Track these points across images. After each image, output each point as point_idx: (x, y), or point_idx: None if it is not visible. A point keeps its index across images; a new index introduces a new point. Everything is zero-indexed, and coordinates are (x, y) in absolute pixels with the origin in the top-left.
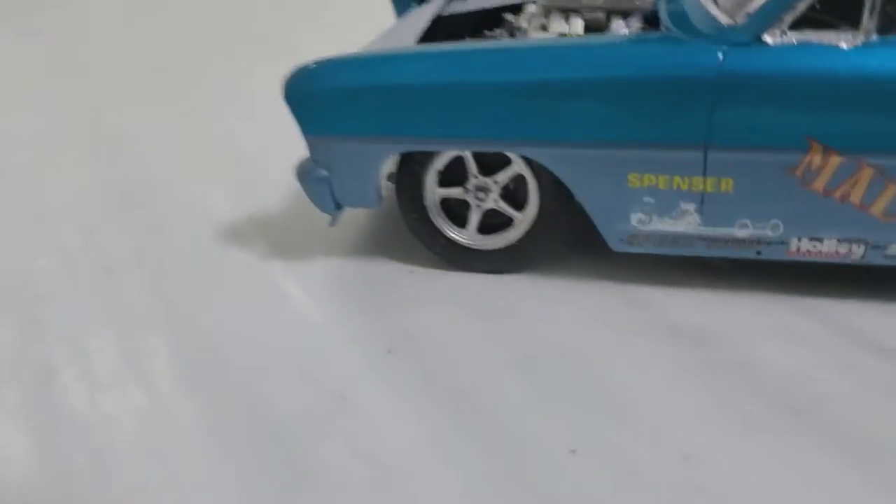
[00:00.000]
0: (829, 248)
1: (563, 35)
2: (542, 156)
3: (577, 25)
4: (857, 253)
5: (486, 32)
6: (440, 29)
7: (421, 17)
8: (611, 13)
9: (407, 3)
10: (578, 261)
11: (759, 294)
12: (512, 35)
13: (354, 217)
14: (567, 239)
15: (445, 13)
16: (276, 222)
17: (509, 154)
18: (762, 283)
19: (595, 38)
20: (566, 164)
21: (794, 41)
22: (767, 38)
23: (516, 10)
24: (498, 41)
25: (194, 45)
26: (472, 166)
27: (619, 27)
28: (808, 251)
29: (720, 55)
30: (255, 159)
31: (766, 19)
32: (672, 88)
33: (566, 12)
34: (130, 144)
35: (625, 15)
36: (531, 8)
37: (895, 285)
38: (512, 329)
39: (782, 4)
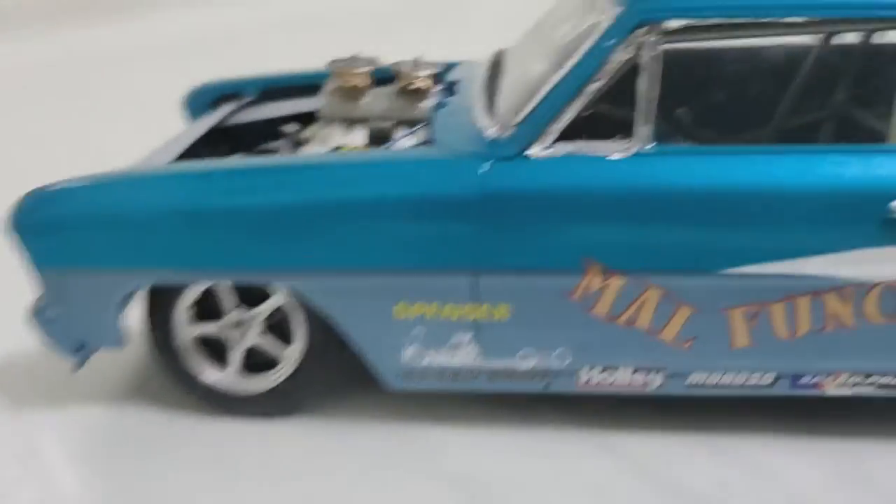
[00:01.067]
0: (624, 379)
1: (338, 148)
2: (299, 286)
3: (359, 137)
4: (655, 383)
5: (266, 145)
6: (221, 141)
7: (195, 130)
8: (398, 122)
9: (202, 107)
10: (361, 398)
11: (562, 432)
12: (295, 147)
13: (106, 359)
14: (344, 375)
15: (229, 123)
16: (6, 371)
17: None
18: (571, 419)
19: (356, 155)
20: (326, 294)
21: (563, 153)
22: (533, 151)
23: (309, 119)
24: (249, 159)
25: None
26: (226, 299)
27: (404, 138)
28: (601, 383)
29: (483, 171)
30: None
31: (531, 130)
32: (433, 209)
33: (348, 122)
34: None
35: (411, 124)
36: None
37: (705, 420)
38: (272, 491)
39: (548, 114)
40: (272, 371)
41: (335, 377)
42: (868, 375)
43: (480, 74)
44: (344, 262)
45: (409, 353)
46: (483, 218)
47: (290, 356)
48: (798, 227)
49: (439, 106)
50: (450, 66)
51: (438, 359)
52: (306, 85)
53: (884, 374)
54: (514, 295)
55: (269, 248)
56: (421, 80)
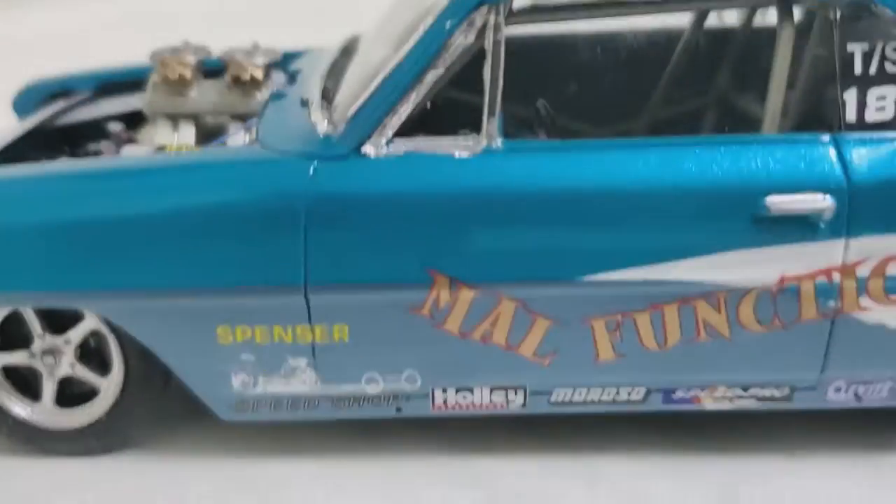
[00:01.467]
0: (483, 400)
1: (163, 147)
2: (105, 311)
3: (187, 133)
4: (517, 402)
5: (90, 147)
6: (54, 143)
7: (13, 131)
8: (230, 117)
9: (32, 107)
10: (198, 430)
11: (421, 459)
12: (120, 148)
13: None
14: (176, 405)
15: (60, 123)
16: None
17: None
18: (430, 444)
19: (166, 158)
20: (136, 319)
21: (402, 151)
22: (368, 150)
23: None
24: (50, 164)
25: None
26: (34, 324)
27: (237, 133)
28: (458, 404)
29: (311, 172)
30: None
31: (365, 126)
32: (255, 218)
33: (174, 118)
34: None
35: (244, 119)
36: None
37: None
38: None
39: (382, 107)
40: (90, 403)
41: (165, 407)
42: (747, 388)
43: (325, 62)
44: (153, 282)
45: (238, 382)
46: (313, 226)
47: (108, 387)
48: (663, 229)
49: (274, 98)
50: (296, 55)
51: (273, 386)
52: (144, 80)
53: (764, 386)
54: (353, 313)
55: (69, 268)
56: (254, 69)
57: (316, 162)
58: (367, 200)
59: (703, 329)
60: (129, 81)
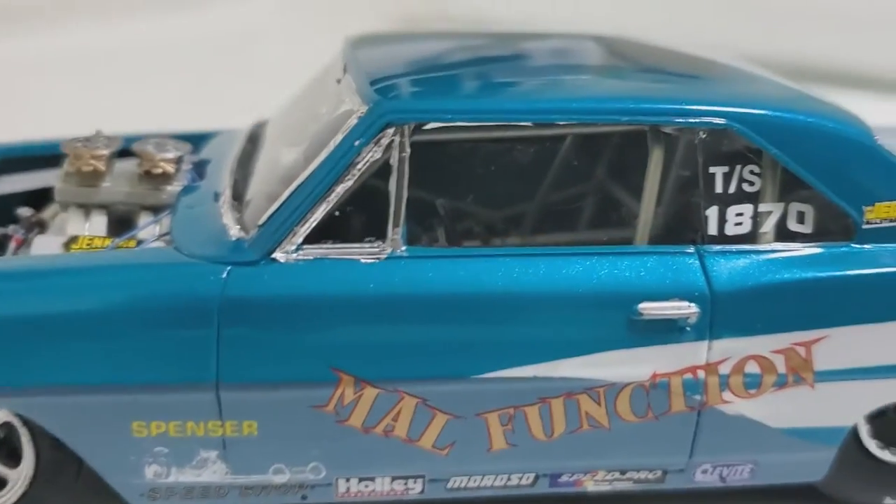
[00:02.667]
0: (384, 488)
1: (75, 238)
2: (19, 406)
3: (98, 224)
4: (415, 489)
5: None
6: None
7: None
8: (142, 208)
9: None
10: None
11: None
12: (29, 231)
13: None
14: (84, 493)
15: None
16: None
17: None
18: None
19: (80, 257)
20: (51, 413)
21: (311, 257)
22: (278, 255)
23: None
24: None
25: None
26: None
27: (148, 227)
28: (360, 492)
29: (224, 277)
30: None
31: (276, 233)
32: (168, 319)
33: (86, 207)
34: None
35: (155, 210)
36: None
37: None
38: None
39: (293, 215)
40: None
41: (77, 496)
42: (624, 472)
43: (234, 154)
44: (70, 378)
45: (151, 472)
46: (224, 328)
47: (18, 478)
48: (550, 331)
49: (185, 192)
50: (205, 137)
51: (184, 476)
52: (46, 156)
53: (639, 470)
54: (262, 410)
55: None
56: (165, 163)
57: (229, 267)
58: (277, 304)
59: (586, 420)
60: (30, 157)
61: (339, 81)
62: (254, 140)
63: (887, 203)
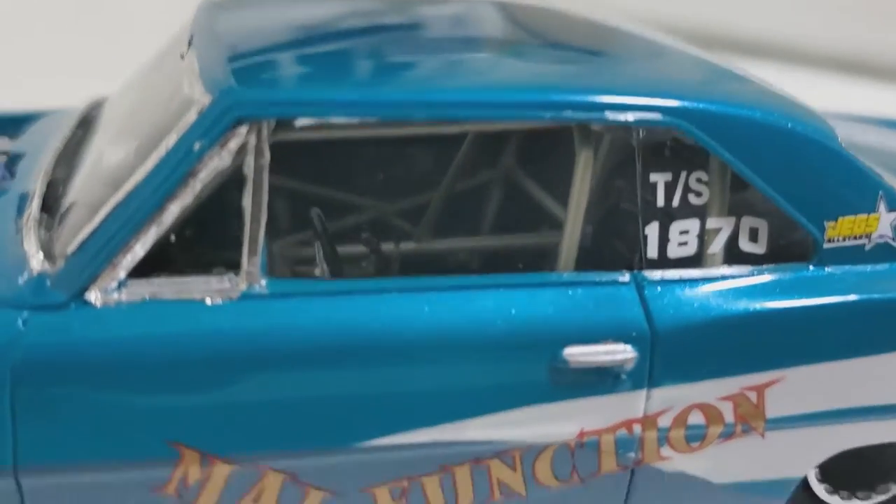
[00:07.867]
0: None
1: None
2: None
3: None
4: None
5: None
6: None
7: None
8: None
9: None
10: None
11: None
12: None
13: None
14: None
15: None
16: None
17: None
18: None
19: None
20: None
21: (138, 297)
22: (92, 296)
23: None
24: None
25: None
26: None
27: None
28: None
29: (19, 326)
30: None
31: (89, 264)
32: None
33: None
34: None
35: None
36: None
37: None
38: None
39: (113, 242)
40: None
41: None
42: None
43: (55, 146)
44: None
45: None
46: (21, 395)
47: None
48: (452, 384)
49: None
50: (28, 119)
51: None
52: None
53: None
54: (80, 499)
55: None
56: None
57: (26, 312)
58: (92, 362)
59: (498, 489)
60: None
61: (182, 57)
62: (86, 125)
63: (851, 217)
